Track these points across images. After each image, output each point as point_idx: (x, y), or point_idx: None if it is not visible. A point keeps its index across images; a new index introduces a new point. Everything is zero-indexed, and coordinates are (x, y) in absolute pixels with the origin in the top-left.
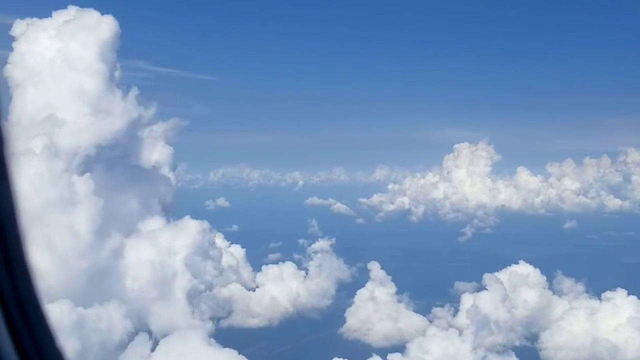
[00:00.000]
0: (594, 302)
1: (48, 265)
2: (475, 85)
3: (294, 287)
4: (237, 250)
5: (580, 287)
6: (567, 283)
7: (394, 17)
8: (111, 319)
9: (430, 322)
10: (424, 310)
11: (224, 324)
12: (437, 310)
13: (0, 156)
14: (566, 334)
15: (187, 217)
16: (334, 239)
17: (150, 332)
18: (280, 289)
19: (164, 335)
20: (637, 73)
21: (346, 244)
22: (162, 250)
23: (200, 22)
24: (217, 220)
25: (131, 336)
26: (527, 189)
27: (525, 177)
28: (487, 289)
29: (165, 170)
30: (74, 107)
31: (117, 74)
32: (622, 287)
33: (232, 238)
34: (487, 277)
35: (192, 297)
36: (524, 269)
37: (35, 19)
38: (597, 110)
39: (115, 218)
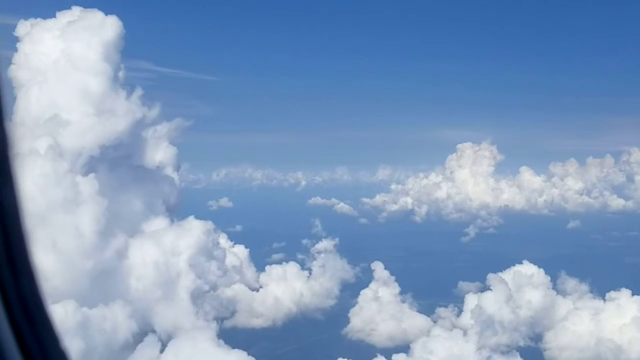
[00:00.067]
0: (598, 302)
1: (52, 266)
2: (479, 85)
3: (298, 287)
4: (241, 251)
5: (584, 287)
6: (571, 283)
7: (398, 17)
8: (116, 319)
9: (434, 322)
10: (427, 310)
11: (228, 324)
12: (441, 311)
13: (5, 156)
14: (570, 334)
15: (192, 217)
16: (337, 239)
17: (154, 332)
18: (284, 289)
19: (168, 335)
20: None
21: (349, 244)
22: (166, 251)
23: (204, 23)
24: (220, 221)
25: (136, 336)
26: (530, 189)
27: (529, 177)
28: (491, 289)
29: (169, 171)
30: (78, 108)
31: (121, 74)
32: (626, 287)
33: (235, 238)
34: (490, 277)
35: (196, 297)
36: (527, 269)
37: (39, 19)
38: (600, 110)
39: (119, 218)
